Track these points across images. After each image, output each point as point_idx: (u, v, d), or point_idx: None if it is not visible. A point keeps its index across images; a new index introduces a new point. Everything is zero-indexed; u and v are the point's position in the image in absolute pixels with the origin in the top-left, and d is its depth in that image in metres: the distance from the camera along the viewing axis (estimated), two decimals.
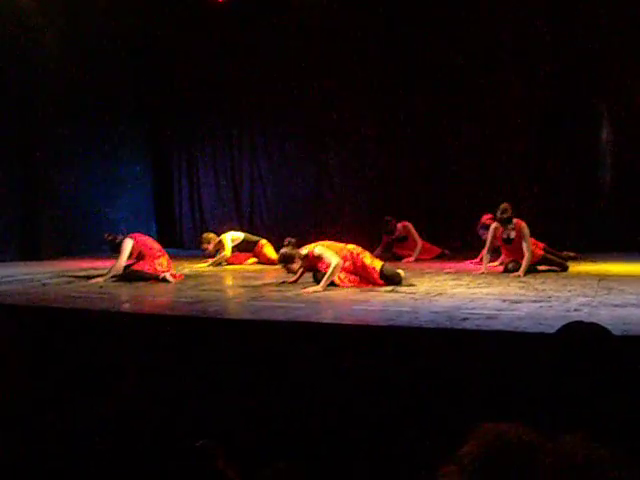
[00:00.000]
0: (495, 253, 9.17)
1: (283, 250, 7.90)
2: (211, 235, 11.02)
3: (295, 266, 7.86)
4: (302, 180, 13.20)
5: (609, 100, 10.94)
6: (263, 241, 10.95)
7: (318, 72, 12.58)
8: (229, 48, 13.21)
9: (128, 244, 8.78)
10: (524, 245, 8.53)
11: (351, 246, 7.96)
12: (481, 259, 9.27)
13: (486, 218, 9.77)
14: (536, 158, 11.42)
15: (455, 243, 11.43)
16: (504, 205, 8.73)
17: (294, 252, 7.85)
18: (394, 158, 12.35)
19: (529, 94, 11.32)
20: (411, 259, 10.60)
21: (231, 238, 10.87)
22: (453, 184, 11.90)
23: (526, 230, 8.61)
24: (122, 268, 8.74)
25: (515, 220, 8.66)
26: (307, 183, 13.19)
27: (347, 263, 7.76)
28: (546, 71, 11.14)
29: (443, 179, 12.06)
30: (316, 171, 13.13)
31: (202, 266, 10.44)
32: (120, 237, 8.88)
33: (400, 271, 7.98)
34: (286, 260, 7.83)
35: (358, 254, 7.81)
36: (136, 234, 9.04)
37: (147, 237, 9.22)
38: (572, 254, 9.62)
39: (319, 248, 7.75)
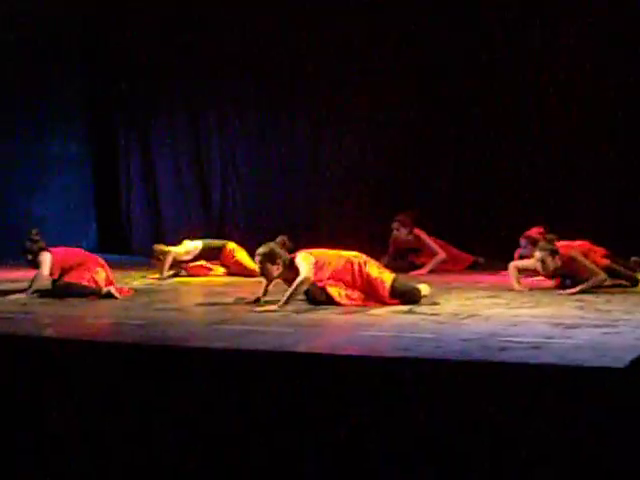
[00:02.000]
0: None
1: (269, 245, 7.93)
2: (161, 247, 10.87)
3: (274, 270, 7.87)
4: (289, 168, 13.21)
5: None
6: (231, 245, 10.86)
7: (313, 32, 12.62)
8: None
9: (46, 256, 8.76)
10: (588, 271, 8.57)
11: (352, 253, 7.99)
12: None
13: (535, 231, 9.77)
14: (591, 148, 11.48)
15: (491, 249, 11.44)
16: (551, 236, 8.80)
17: (281, 252, 7.88)
18: (411, 143, 12.37)
19: (594, 84, 11.41)
20: (424, 271, 10.59)
21: (184, 250, 10.81)
22: (488, 176, 11.95)
23: (579, 257, 8.63)
24: (47, 279, 8.74)
25: (562, 249, 8.67)
26: (296, 171, 13.20)
27: (347, 276, 7.79)
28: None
29: (476, 169, 12.10)
30: (308, 156, 13.14)
31: (154, 277, 10.43)
32: (30, 257, 8.84)
33: (422, 285, 7.99)
34: (268, 257, 7.84)
35: (360, 264, 7.82)
36: (55, 248, 8.99)
37: (71, 248, 9.18)
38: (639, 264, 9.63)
39: (302, 256, 7.78)
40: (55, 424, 5.21)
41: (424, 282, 8.29)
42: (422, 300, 7.81)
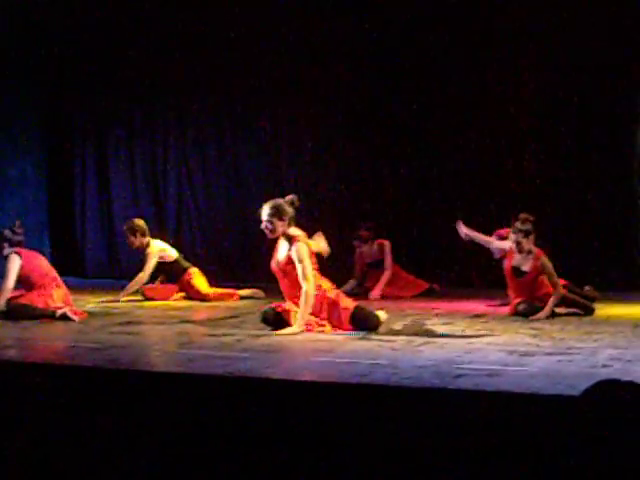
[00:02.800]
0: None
1: (277, 201, 7.94)
2: (144, 226, 10.72)
3: (280, 226, 7.85)
4: (248, 187, 13.19)
5: None
6: (193, 269, 10.85)
7: (277, 40, 12.65)
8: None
9: (15, 262, 8.71)
10: (549, 280, 8.66)
11: (323, 280, 8.01)
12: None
13: (504, 231, 9.78)
14: (554, 167, 11.54)
15: (448, 275, 11.50)
16: (524, 215, 8.83)
17: (289, 210, 7.89)
18: (370, 162, 12.41)
19: (550, 84, 11.47)
20: (376, 293, 10.64)
21: (161, 248, 10.72)
22: (446, 200, 11.98)
23: (548, 263, 8.72)
24: (9, 291, 8.69)
25: (535, 249, 8.76)
26: (255, 190, 13.18)
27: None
28: (572, 56, 11.31)
29: (432, 193, 12.14)
30: (268, 174, 13.13)
31: (111, 299, 10.37)
32: (6, 248, 8.79)
33: (379, 312, 8.01)
34: (276, 212, 7.84)
35: (326, 290, 7.84)
36: (25, 251, 8.93)
37: (39, 257, 9.13)
38: (595, 293, 9.70)
39: (303, 248, 7.77)
40: (10, 448, 5.17)
41: (380, 309, 8.30)
42: (381, 327, 7.82)
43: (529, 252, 8.78)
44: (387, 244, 11.04)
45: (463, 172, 11.89)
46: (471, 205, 11.72)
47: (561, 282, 9.11)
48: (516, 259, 8.87)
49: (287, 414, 5.12)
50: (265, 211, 7.90)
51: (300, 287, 7.71)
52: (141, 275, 10.52)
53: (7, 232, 8.79)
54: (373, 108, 12.32)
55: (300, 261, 7.70)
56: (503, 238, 9.37)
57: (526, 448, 4.31)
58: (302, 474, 4.83)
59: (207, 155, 13.52)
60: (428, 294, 10.98)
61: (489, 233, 9.67)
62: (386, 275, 10.90)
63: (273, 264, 8.02)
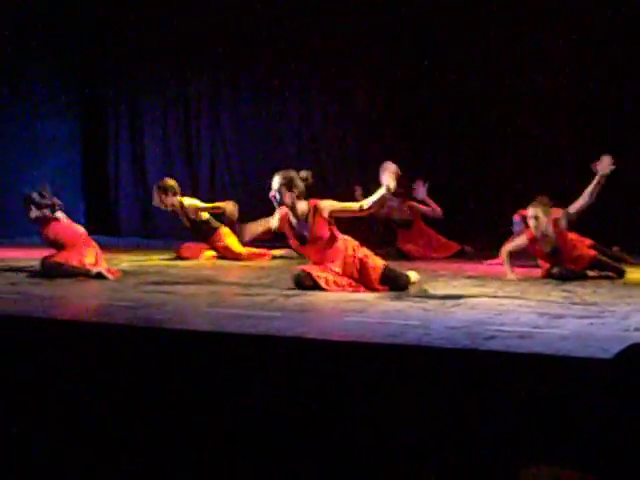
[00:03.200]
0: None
1: (290, 172, 7.97)
2: (175, 185, 10.79)
3: (288, 199, 7.86)
4: (278, 149, 13.21)
5: None
6: (224, 229, 10.89)
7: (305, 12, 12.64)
8: None
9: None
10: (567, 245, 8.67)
11: (347, 238, 8.05)
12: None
13: (518, 214, 9.79)
14: (583, 129, 11.51)
15: (479, 238, 11.47)
16: (543, 197, 8.84)
17: (300, 184, 7.92)
18: (402, 128, 12.40)
19: (574, 70, 11.44)
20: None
21: (196, 203, 10.77)
22: (477, 165, 11.98)
23: (563, 221, 8.68)
24: None
25: (551, 226, 8.71)
26: (286, 152, 13.20)
27: (340, 255, 7.81)
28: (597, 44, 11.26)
29: (463, 159, 12.13)
30: (298, 138, 13.14)
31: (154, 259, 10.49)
32: (34, 210, 8.84)
33: (410, 273, 8.01)
34: (287, 183, 7.86)
35: (354, 247, 7.88)
36: (51, 217, 9.00)
37: (71, 225, 9.18)
38: (624, 255, 9.64)
39: (325, 205, 7.83)
40: (49, 405, 5.23)
41: (412, 269, 8.31)
42: (410, 287, 7.85)
43: (547, 231, 8.72)
44: (417, 205, 11.03)
45: (500, 144, 11.89)
46: (500, 170, 11.74)
47: (587, 242, 9.08)
48: (539, 240, 8.80)
49: (319, 374, 5.14)
50: (276, 180, 7.90)
51: (328, 249, 7.81)
52: (202, 214, 10.69)
53: (35, 195, 8.84)
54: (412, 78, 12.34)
55: (333, 206, 7.81)
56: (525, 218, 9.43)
57: (557, 411, 4.31)
58: (334, 433, 4.86)
59: (240, 117, 13.54)
60: (460, 256, 10.98)
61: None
62: (435, 212, 10.95)
63: (295, 242, 8.04)
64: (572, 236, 8.97)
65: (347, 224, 8.29)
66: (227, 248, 10.76)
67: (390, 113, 12.56)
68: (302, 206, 7.89)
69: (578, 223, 9.13)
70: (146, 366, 5.48)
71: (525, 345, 5.19)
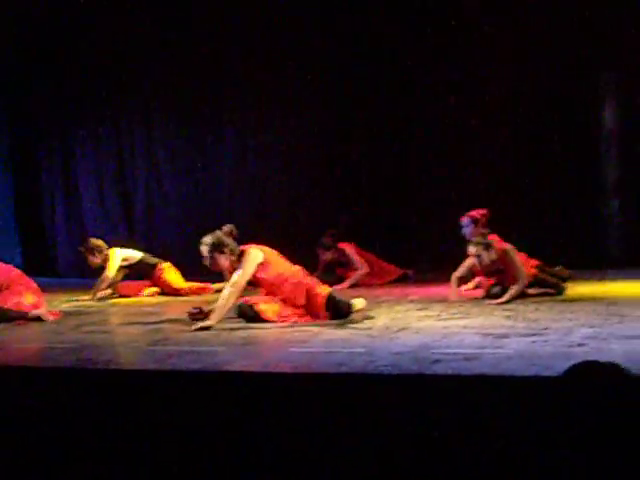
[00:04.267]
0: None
1: (216, 233, 7.80)
2: (101, 243, 10.72)
3: (223, 260, 7.74)
4: (218, 180, 13.20)
5: (618, 77, 11.19)
6: (164, 264, 10.85)
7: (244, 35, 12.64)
8: None
9: None
10: (514, 271, 8.68)
11: (296, 267, 8.05)
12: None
13: (478, 212, 9.81)
14: (523, 149, 11.62)
15: (421, 261, 11.53)
16: (483, 230, 8.94)
17: (228, 241, 7.76)
18: (340, 147, 12.43)
19: (515, 70, 11.53)
20: (345, 285, 10.61)
21: (122, 256, 10.69)
22: (418, 182, 12.04)
23: (512, 253, 8.74)
24: None
25: (495, 243, 8.77)
26: (226, 183, 13.19)
27: (289, 284, 7.80)
28: (537, 40, 11.35)
29: (404, 176, 12.20)
30: (237, 166, 13.13)
31: (85, 298, 10.33)
32: None
33: (357, 300, 7.96)
34: (216, 246, 7.70)
35: (300, 275, 7.88)
36: None
37: (7, 266, 9.08)
38: (566, 272, 9.71)
39: (252, 253, 7.71)
40: None
41: (356, 296, 8.29)
42: (357, 314, 7.82)
43: (492, 260, 8.78)
44: (347, 247, 11.00)
45: (436, 157, 11.95)
46: (441, 189, 11.80)
47: (532, 262, 9.16)
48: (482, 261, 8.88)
49: (265, 406, 5.11)
50: (204, 248, 7.79)
51: (278, 288, 7.81)
52: (106, 274, 10.50)
53: None
54: (344, 90, 12.36)
55: (242, 268, 7.69)
56: (475, 220, 9.50)
57: (506, 431, 4.33)
58: (283, 466, 4.84)
59: (174, 149, 13.51)
60: (402, 280, 11.01)
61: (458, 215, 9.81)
62: (357, 274, 10.85)
63: None
64: (520, 257, 9.03)
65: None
66: (167, 284, 10.70)
67: (319, 139, 12.59)
68: (238, 252, 7.83)
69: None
70: (92, 408, 5.42)
71: (471, 367, 5.22)
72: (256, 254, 7.74)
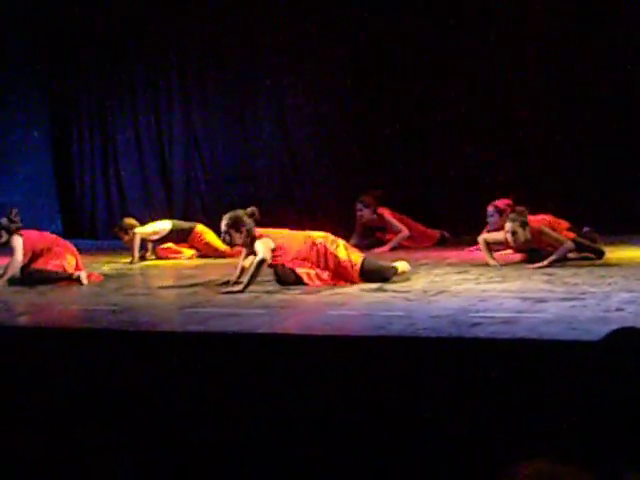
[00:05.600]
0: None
1: (236, 212, 7.96)
2: (131, 221, 10.90)
3: (238, 238, 7.90)
4: (253, 148, 13.22)
5: None
6: (199, 227, 10.89)
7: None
8: None
9: (18, 240, 8.73)
10: (554, 243, 8.66)
11: (318, 234, 8.05)
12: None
13: (503, 202, 9.84)
14: (559, 113, 11.58)
15: (458, 224, 11.51)
16: (521, 207, 8.87)
17: (247, 221, 7.89)
18: (377, 119, 12.41)
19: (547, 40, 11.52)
20: (386, 248, 10.64)
21: (153, 230, 10.83)
22: (451, 150, 12.02)
23: (547, 230, 8.70)
24: (19, 265, 8.72)
25: (531, 222, 8.73)
26: (260, 152, 13.21)
27: (313, 258, 7.83)
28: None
29: (437, 143, 12.19)
30: (273, 136, 13.15)
31: (125, 261, 10.42)
32: (4, 236, 8.81)
33: (399, 263, 8.03)
34: (233, 224, 7.86)
35: (326, 246, 7.85)
36: (26, 231, 8.97)
37: (43, 233, 9.16)
38: (593, 234, 9.55)
39: (262, 241, 7.82)
40: (32, 413, 5.23)
41: (401, 260, 8.31)
42: (396, 277, 7.85)
43: (526, 241, 8.75)
44: (386, 212, 11.01)
45: (465, 121, 11.92)
46: (471, 155, 11.80)
47: (566, 225, 9.11)
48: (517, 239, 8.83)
49: (304, 369, 5.16)
50: (223, 223, 7.96)
51: (300, 250, 7.86)
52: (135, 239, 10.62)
53: (4, 221, 8.81)
54: (377, 60, 12.35)
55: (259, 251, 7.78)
56: (500, 210, 9.53)
57: (545, 395, 4.35)
58: (322, 428, 4.88)
59: (213, 119, 13.54)
60: (440, 243, 11.02)
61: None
62: (398, 237, 10.87)
63: None
64: (548, 218, 9.01)
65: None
66: (208, 245, 10.76)
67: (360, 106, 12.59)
68: (254, 234, 7.92)
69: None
70: (134, 370, 5.49)
71: (510, 330, 5.24)
72: (267, 241, 7.83)
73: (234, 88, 13.31)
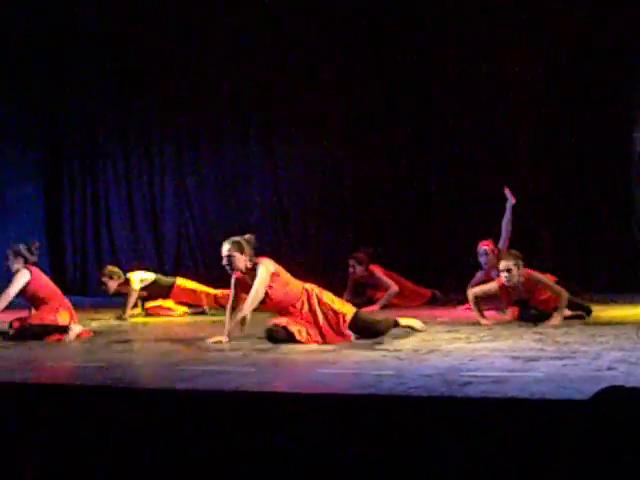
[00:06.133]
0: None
1: (236, 237, 8.02)
2: (115, 269, 10.94)
3: (242, 260, 7.91)
4: (246, 204, 13.26)
5: None
6: (179, 280, 10.98)
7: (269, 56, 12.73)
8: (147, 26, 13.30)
9: (24, 276, 8.69)
10: (551, 291, 8.67)
11: (309, 285, 8.05)
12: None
13: (483, 244, 9.93)
14: (548, 167, 11.67)
15: (448, 282, 11.54)
16: (514, 251, 8.92)
17: (248, 247, 7.95)
18: (368, 178, 12.50)
19: (536, 83, 11.59)
20: (376, 307, 10.63)
21: (140, 278, 10.82)
22: (440, 206, 12.09)
23: (538, 275, 8.73)
24: (10, 299, 8.66)
25: (523, 276, 8.75)
26: (252, 207, 13.26)
27: (304, 308, 7.82)
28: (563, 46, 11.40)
29: (428, 199, 12.26)
30: (265, 191, 13.20)
31: (115, 317, 10.41)
32: (18, 264, 8.77)
33: (413, 321, 8.16)
34: (236, 246, 7.91)
35: (317, 294, 7.88)
36: (35, 268, 8.92)
37: (49, 282, 9.11)
38: (576, 287, 9.57)
39: (265, 262, 7.87)
40: (22, 470, 5.19)
41: (387, 317, 8.30)
42: (413, 335, 7.94)
43: (519, 284, 8.77)
44: (377, 269, 11.05)
45: (460, 179, 11.98)
46: (467, 211, 11.84)
47: (553, 279, 9.12)
48: (509, 290, 8.86)
49: (294, 427, 5.12)
50: (225, 246, 8.00)
51: (291, 300, 7.85)
52: (131, 289, 10.65)
53: (23, 249, 8.79)
54: (370, 112, 12.42)
55: (258, 276, 7.84)
56: (490, 249, 9.62)
57: (536, 454, 4.33)
58: None
59: (204, 176, 13.60)
60: (431, 302, 11.03)
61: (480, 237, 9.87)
62: (387, 294, 10.86)
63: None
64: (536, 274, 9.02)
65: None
66: (194, 292, 10.88)
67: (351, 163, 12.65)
68: (253, 262, 7.96)
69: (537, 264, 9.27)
70: (123, 426, 5.45)
71: (501, 390, 5.21)
72: (269, 263, 7.91)
73: (225, 150, 13.40)
